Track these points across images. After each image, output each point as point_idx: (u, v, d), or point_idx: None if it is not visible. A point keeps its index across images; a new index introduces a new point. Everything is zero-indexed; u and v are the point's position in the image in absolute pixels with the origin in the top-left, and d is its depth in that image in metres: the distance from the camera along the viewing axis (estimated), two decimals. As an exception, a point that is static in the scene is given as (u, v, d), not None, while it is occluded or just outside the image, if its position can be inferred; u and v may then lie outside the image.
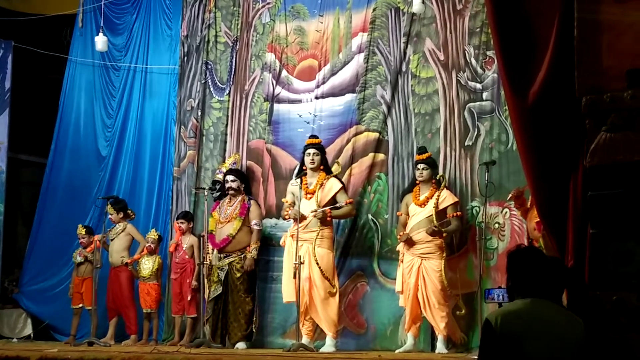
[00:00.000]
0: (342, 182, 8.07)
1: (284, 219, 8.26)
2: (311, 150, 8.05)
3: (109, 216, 9.19)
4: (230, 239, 8.35)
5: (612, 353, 3.67)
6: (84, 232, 9.36)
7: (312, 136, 8.29)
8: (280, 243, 8.21)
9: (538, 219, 6.85)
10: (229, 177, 8.55)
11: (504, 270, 6.65)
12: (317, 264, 7.70)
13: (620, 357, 3.66)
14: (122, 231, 9.22)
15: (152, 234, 9.17)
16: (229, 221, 8.40)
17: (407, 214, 7.72)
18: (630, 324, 3.64)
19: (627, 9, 3.94)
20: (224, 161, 9.35)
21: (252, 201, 8.56)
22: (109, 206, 9.16)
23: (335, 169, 8.22)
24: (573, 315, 3.70)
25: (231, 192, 8.51)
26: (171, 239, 9.32)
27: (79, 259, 9.32)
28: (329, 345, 7.68)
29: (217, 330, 8.31)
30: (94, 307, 8.74)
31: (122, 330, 9.27)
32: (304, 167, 8.07)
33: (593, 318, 3.71)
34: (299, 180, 7.94)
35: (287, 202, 8.16)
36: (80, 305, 9.24)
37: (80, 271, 9.31)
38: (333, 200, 7.92)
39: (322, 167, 8.05)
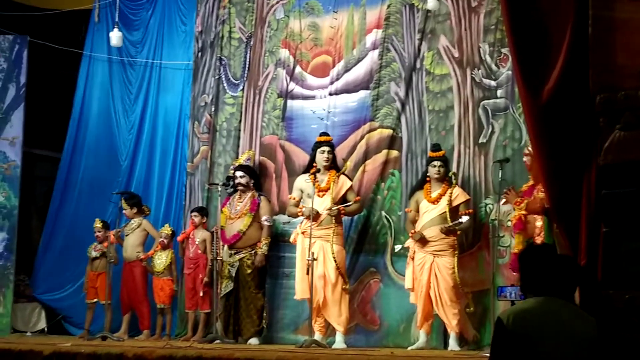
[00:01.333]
0: (351, 180, 8.07)
1: (297, 215, 8.21)
2: (326, 148, 8.04)
3: (124, 211, 9.22)
4: (240, 235, 8.37)
5: (624, 352, 3.66)
6: (100, 227, 9.40)
7: (324, 133, 8.28)
8: (291, 240, 8.21)
9: (515, 221, 6.89)
10: (238, 173, 8.56)
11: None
12: (335, 260, 7.70)
13: (633, 356, 3.65)
14: (138, 227, 9.24)
15: (166, 229, 9.19)
16: (239, 217, 8.41)
17: (417, 211, 7.71)
18: (643, 323, 3.63)
19: (642, 7, 3.93)
20: (237, 157, 9.36)
21: (262, 197, 8.56)
22: (123, 201, 9.19)
23: (344, 166, 8.22)
24: (585, 313, 3.69)
25: (240, 187, 8.52)
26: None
27: (94, 253, 9.36)
28: (339, 342, 7.69)
29: (229, 326, 8.33)
30: (108, 302, 8.79)
31: (136, 325, 9.31)
32: (315, 164, 8.05)
33: (605, 317, 3.70)
34: (310, 177, 7.93)
35: (294, 199, 8.15)
36: (95, 300, 9.28)
37: (94, 266, 9.35)
38: (343, 198, 7.92)
39: (332, 165, 8.06)
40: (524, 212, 6.84)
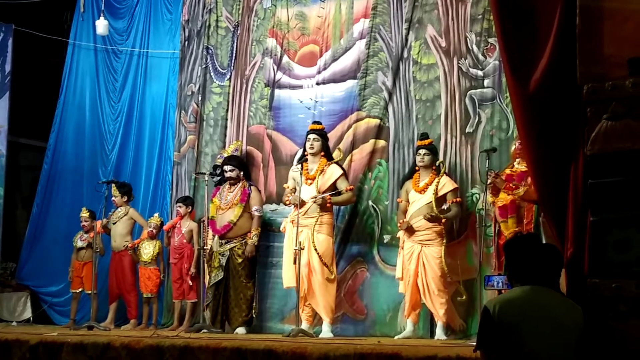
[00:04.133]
0: (342, 169, 8.06)
1: (285, 204, 8.25)
2: (311, 136, 8.05)
3: (113, 199, 9.18)
4: (231, 225, 8.35)
5: (610, 340, 3.67)
6: (87, 216, 9.35)
7: (315, 122, 8.28)
8: (281, 229, 8.21)
9: (502, 204, 6.92)
10: (227, 167, 8.50)
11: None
12: (316, 250, 7.71)
13: (619, 345, 3.67)
14: (125, 215, 9.22)
15: (155, 219, 9.16)
16: (229, 207, 8.40)
17: (407, 201, 7.72)
18: (630, 311, 3.65)
19: (629, -3, 3.94)
20: (224, 147, 9.35)
21: (252, 187, 8.55)
22: (115, 188, 9.16)
23: (336, 155, 8.22)
24: (572, 302, 3.71)
25: (231, 181, 8.51)
26: (171, 224, 9.31)
27: (80, 243, 9.32)
28: (326, 331, 7.70)
29: (217, 315, 8.33)
30: (94, 292, 8.76)
31: (121, 314, 9.30)
32: (306, 153, 8.07)
33: (592, 305, 3.72)
34: (299, 165, 7.94)
35: (288, 187, 8.14)
36: (80, 289, 9.26)
37: (80, 255, 9.31)
38: (333, 187, 7.90)
39: (322, 153, 8.04)
40: (517, 197, 6.86)
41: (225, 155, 8.88)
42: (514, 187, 6.90)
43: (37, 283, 10.25)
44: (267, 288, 8.74)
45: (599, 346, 3.67)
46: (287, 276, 7.89)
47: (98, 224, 9.00)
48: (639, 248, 3.66)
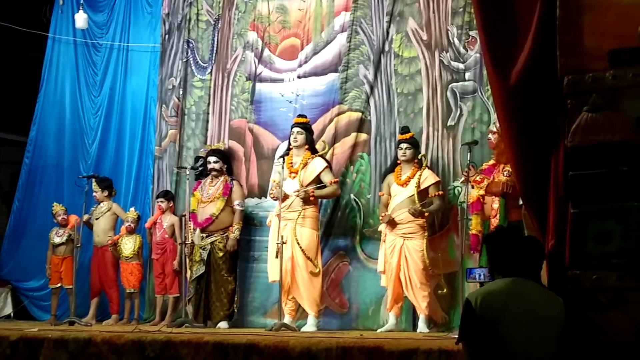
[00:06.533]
0: (327, 161, 8.04)
1: (271, 198, 8.21)
2: (295, 129, 8.03)
3: (94, 194, 9.13)
4: (213, 218, 8.34)
5: (591, 332, 3.69)
6: (62, 210, 9.30)
7: (299, 115, 8.27)
8: (267, 223, 8.19)
9: (472, 201, 6.95)
10: (211, 159, 8.52)
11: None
12: (299, 243, 7.70)
13: (599, 336, 3.68)
14: (108, 210, 9.17)
15: (132, 214, 9.13)
16: (211, 201, 8.38)
17: (389, 194, 7.73)
18: (610, 303, 3.66)
19: (609, -11, 3.94)
20: (206, 141, 9.32)
21: (234, 181, 8.54)
22: (95, 184, 9.11)
23: (320, 147, 8.22)
24: (553, 294, 3.72)
25: (214, 173, 8.49)
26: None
27: (57, 239, 9.26)
28: (310, 325, 7.70)
29: (199, 309, 8.31)
30: (72, 287, 8.72)
31: (102, 309, 9.25)
32: (290, 146, 8.05)
33: (573, 297, 3.74)
34: (281, 159, 7.92)
35: (275, 181, 8.11)
36: (59, 285, 9.23)
37: (59, 250, 9.26)
38: (317, 180, 7.89)
39: (306, 147, 8.03)
40: (482, 192, 6.89)
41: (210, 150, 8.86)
42: (479, 180, 6.93)
43: (17, 278, 10.19)
44: (249, 282, 8.73)
45: (580, 337, 3.68)
46: (271, 270, 7.87)
47: (74, 217, 8.94)
48: (619, 240, 3.68)
